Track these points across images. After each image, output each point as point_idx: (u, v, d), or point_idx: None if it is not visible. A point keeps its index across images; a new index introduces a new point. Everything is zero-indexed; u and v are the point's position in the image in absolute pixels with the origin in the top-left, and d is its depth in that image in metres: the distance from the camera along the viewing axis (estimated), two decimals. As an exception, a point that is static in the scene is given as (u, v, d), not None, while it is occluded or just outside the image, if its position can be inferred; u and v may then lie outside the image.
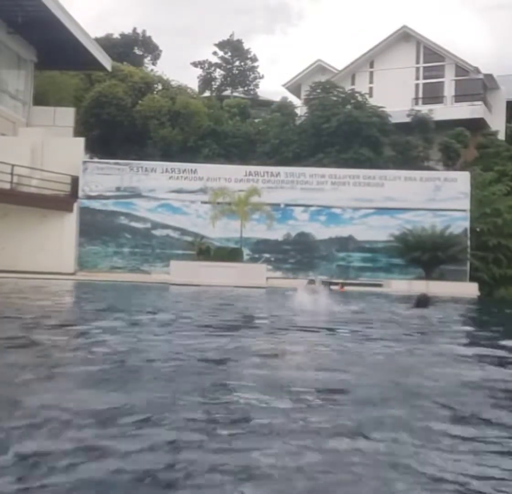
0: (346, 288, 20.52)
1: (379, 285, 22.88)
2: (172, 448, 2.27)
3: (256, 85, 44.51)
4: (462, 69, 36.00)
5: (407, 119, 33.34)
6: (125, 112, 32.71)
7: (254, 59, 44.52)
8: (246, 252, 24.40)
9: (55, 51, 26.78)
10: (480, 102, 35.03)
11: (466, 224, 25.17)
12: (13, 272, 19.92)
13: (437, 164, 32.17)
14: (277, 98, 39.13)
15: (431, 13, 74.78)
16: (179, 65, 74.05)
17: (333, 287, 20.43)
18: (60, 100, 31.02)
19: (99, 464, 2.05)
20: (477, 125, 33.96)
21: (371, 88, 36.53)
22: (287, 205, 25.56)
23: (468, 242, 24.90)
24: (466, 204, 25.27)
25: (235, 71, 44.23)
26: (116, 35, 42.32)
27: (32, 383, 3.43)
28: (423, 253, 23.16)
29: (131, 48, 42.65)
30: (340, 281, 22.07)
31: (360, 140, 30.46)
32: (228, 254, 22.43)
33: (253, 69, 44.41)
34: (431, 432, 2.53)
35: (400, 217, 25.20)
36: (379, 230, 25.07)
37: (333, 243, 25.66)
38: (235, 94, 42.27)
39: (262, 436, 2.43)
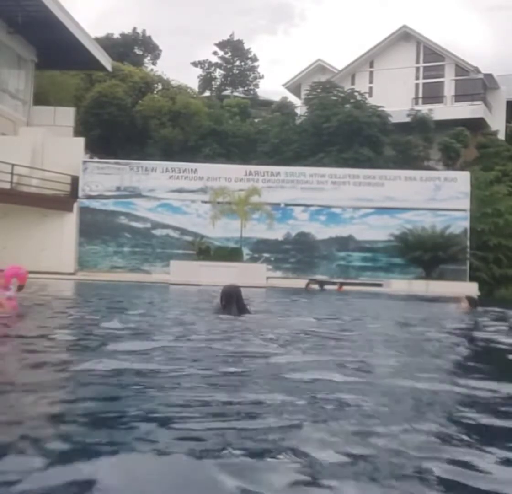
0: (345, 288, 20.49)
1: (379, 285, 22.88)
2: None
3: (256, 85, 44.65)
4: (462, 69, 36.00)
5: (407, 119, 33.35)
6: (126, 112, 32.72)
7: (254, 59, 44.66)
8: (246, 251, 24.39)
9: (55, 51, 26.76)
10: (480, 102, 35.02)
11: (466, 224, 25.17)
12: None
13: (437, 164, 32.18)
14: (277, 98, 39.18)
15: (431, 13, 74.81)
16: (179, 65, 74.19)
17: (330, 287, 20.43)
18: (60, 100, 31.02)
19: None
20: (477, 125, 33.96)
21: (371, 88, 36.53)
22: (287, 205, 25.56)
23: (468, 242, 24.91)
24: (466, 204, 25.27)
25: (235, 71, 44.32)
26: (116, 35, 42.40)
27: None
28: (424, 253, 23.18)
29: (131, 48, 42.69)
30: (339, 280, 22.02)
31: (361, 140, 30.46)
32: (228, 253, 22.41)
33: (253, 69, 44.53)
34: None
35: (400, 217, 25.21)
36: (379, 230, 25.08)
37: (333, 243, 25.66)
38: (235, 94, 42.29)
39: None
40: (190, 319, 6.99)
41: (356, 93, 33.51)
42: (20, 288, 6.86)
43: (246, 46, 44.71)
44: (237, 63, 44.33)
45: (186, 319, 7.02)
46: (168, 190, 25.64)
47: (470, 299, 10.91)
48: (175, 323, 6.59)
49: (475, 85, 35.67)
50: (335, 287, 20.39)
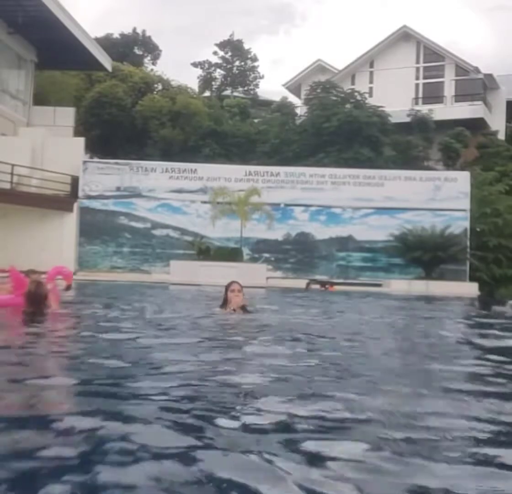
0: (346, 288, 20.49)
1: (379, 285, 22.85)
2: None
3: (256, 85, 44.58)
4: (462, 69, 36.02)
5: (407, 119, 33.37)
6: (125, 112, 32.73)
7: (254, 59, 44.57)
8: (246, 251, 24.40)
9: (55, 51, 26.75)
10: (480, 102, 35.05)
11: (466, 224, 25.15)
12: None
13: (437, 164, 32.18)
14: (277, 98, 39.15)
15: (431, 13, 74.82)
16: (179, 65, 74.17)
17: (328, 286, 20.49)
18: (60, 100, 30.99)
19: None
20: (477, 125, 33.97)
21: (371, 88, 36.54)
22: (287, 205, 25.54)
23: (468, 242, 24.89)
24: (466, 204, 25.25)
25: (235, 71, 44.26)
26: (116, 35, 42.38)
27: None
28: (424, 253, 23.16)
29: (131, 48, 42.67)
30: (331, 280, 22.02)
31: (361, 140, 30.46)
32: (228, 253, 22.41)
33: (253, 69, 44.45)
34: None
35: (400, 217, 25.18)
36: (379, 230, 25.05)
37: (333, 243, 25.64)
38: (235, 94, 42.27)
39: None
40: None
41: (356, 93, 33.51)
42: (67, 287, 6.86)
43: (246, 46, 44.69)
44: (237, 63, 44.27)
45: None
46: (168, 191, 25.63)
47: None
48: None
49: (475, 85, 35.69)
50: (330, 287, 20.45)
